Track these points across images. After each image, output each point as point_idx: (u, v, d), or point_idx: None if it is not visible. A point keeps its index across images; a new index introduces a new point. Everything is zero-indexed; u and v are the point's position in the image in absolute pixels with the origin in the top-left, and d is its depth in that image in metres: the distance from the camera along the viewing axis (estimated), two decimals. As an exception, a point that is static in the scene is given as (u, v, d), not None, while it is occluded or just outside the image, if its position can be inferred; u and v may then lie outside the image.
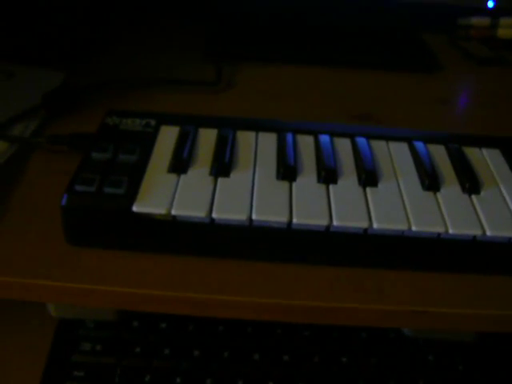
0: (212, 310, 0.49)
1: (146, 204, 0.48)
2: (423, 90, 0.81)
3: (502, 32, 0.94)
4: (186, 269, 0.49)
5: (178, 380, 0.62)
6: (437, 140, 0.61)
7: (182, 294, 0.48)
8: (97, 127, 0.57)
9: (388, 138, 0.60)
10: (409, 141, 0.60)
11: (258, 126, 0.59)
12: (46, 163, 0.60)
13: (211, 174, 0.52)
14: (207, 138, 0.57)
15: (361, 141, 0.58)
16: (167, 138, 0.56)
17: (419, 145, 0.59)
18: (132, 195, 0.48)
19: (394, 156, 0.57)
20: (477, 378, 0.63)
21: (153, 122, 0.58)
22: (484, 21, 0.94)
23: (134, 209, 0.48)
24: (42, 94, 0.68)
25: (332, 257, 0.51)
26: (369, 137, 0.59)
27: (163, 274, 0.49)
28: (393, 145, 0.59)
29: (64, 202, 0.48)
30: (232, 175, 0.52)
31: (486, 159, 0.59)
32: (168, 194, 0.49)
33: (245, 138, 0.57)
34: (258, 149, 0.56)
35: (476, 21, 0.94)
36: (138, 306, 0.49)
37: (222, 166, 0.52)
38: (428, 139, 0.60)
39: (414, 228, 0.49)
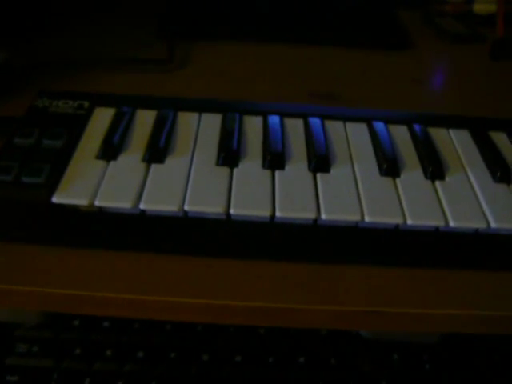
0: (150, 313, 0.44)
1: (67, 194, 0.43)
2: (393, 69, 0.75)
3: (479, 7, 0.89)
4: (117, 266, 0.44)
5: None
6: (400, 120, 0.56)
7: (111, 294, 0.43)
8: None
9: (346, 118, 0.55)
10: (368, 121, 0.54)
11: (202, 107, 0.54)
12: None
13: (144, 160, 0.47)
14: (145, 120, 0.52)
15: (314, 121, 0.53)
16: (100, 120, 0.51)
17: (379, 125, 0.54)
18: (52, 185, 0.44)
19: (351, 138, 0.52)
20: (444, 377, 0.59)
21: (86, 104, 0.53)
22: (459, -5, 0.88)
23: (54, 200, 0.43)
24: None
25: (278, 251, 0.45)
26: (325, 117, 0.54)
27: (92, 271, 0.44)
28: (350, 126, 0.54)
29: (-25, 193, 0.43)
30: (167, 161, 0.47)
31: (453, 141, 0.54)
32: (93, 183, 0.44)
33: (186, 120, 0.52)
34: (199, 132, 0.51)
35: (451, -5, 0.89)
36: (63, 307, 0.44)
37: (156, 151, 0.47)
38: (390, 119, 0.55)
39: (367, 219, 0.44)
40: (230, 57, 0.74)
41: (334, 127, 0.53)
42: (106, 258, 0.44)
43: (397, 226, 0.45)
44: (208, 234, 0.44)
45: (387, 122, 0.55)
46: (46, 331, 0.60)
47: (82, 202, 0.43)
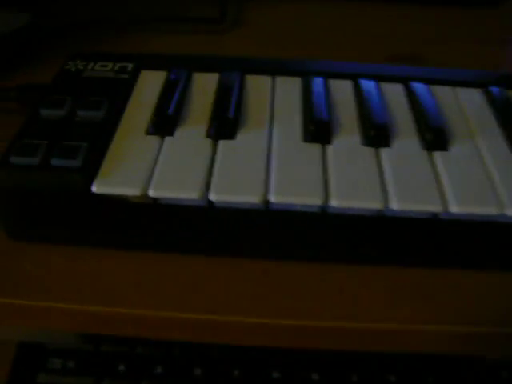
0: (225, 336, 0.34)
1: (112, 182, 0.33)
2: (481, 27, 0.64)
3: None
4: (176, 272, 0.33)
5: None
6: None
7: (174, 314, 0.32)
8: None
9: (453, 82, 0.43)
10: (483, 86, 0.43)
11: (274, 69, 0.43)
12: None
13: (209, 135, 0.36)
14: (205, 85, 0.41)
15: (418, 87, 0.41)
16: (149, 86, 0.41)
17: (496, 91, 0.42)
18: (92, 169, 0.33)
19: (466, 107, 0.41)
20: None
21: (130, 66, 0.42)
22: None
23: (95, 189, 0.32)
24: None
25: (385, 254, 0.35)
26: (428, 81, 0.43)
27: (143, 281, 0.33)
28: (462, 92, 0.42)
29: (-6, 180, 0.32)
30: (239, 136, 0.36)
31: None
32: (145, 167, 0.33)
33: (256, 85, 0.41)
34: (275, 99, 0.40)
35: None
36: (108, 329, 0.34)
37: (225, 124, 0.36)
38: (507, 83, 0.43)
39: (510, 212, 0.32)
40: (290, 17, 0.63)
41: (442, 93, 0.42)
42: (165, 262, 0.34)
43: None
44: (296, 232, 0.33)
45: (506, 87, 0.43)
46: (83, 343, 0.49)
47: (132, 191, 0.32)
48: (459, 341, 0.34)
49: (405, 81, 0.43)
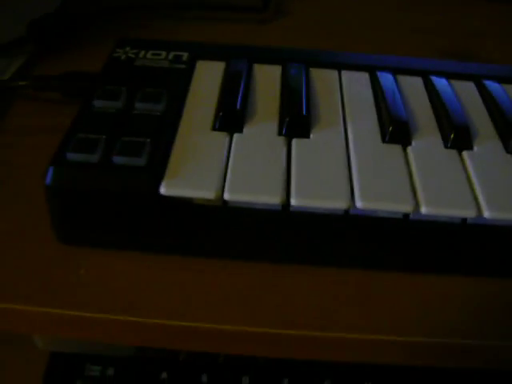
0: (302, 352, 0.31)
1: (183, 183, 0.30)
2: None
3: None
4: (251, 283, 0.31)
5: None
6: None
7: (252, 328, 0.29)
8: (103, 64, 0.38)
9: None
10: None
11: (338, 62, 0.40)
12: (31, 118, 0.42)
13: (281, 132, 0.33)
14: (268, 78, 0.38)
15: (492, 86, 0.39)
16: (208, 77, 0.38)
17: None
18: (158, 168, 0.30)
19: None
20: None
21: (185, 56, 0.39)
22: None
23: (163, 191, 0.29)
24: (29, 22, 0.49)
25: (468, 265, 0.32)
26: (501, 80, 0.40)
27: (215, 292, 0.31)
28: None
29: (49, 179, 0.30)
30: (313, 135, 0.33)
31: None
32: (217, 166, 0.30)
33: (323, 79, 0.39)
34: (344, 95, 0.37)
35: None
36: (171, 343, 0.31)
37: (298, 121, 0.33)
38: None
39: None
40: (336, 6, 0.60)
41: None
42: (236, 270, 0.31)
43: None
44: (381, 239, 0.31)
45: None
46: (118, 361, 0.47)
47: (206, 194, 0.29)
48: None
49: (476, 78, 0.40)
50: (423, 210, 0.29)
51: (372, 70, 0.39)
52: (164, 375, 0.46)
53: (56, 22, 0.51)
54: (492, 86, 0.39)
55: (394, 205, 0.30)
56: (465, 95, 0.39)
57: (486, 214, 0.30)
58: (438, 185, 0.31)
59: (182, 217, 0.31)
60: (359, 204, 0.29)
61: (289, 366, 0.48)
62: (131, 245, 0.32)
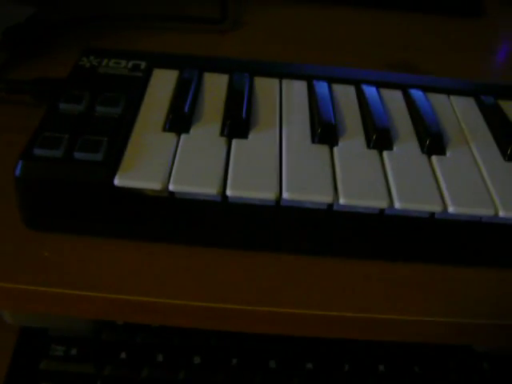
0: (232, 324, 0.36)
1: (134, 175, 0.34)
2: (468, 37, 0.67)
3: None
4: (190, 264, 0.36)
5: (175, 394, 0.49)
6: (509, 94, 0.46)
7: (184, 301, 0.34)
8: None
9: (449, 90, 0.46)
10: (475, 95, 0.46)
11: (281, 72, 0.45)
12: (3, 118, 0.46)
13: (223, 133, 0.38)
14: (215, 86, 0.43)
15: (417, 94, 0.44)
16: (162, 84, 0.42)
17: (490, 100, 0.45)
18: (113, 163, 0.35)
19: (460, 114, 0.44)
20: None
21: (143, 65, 0.44)
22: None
23: (117, 182, 0.34)
24: (4, 29, 0.53)
25: (388, 249, 0.38)
26: (425, 89, 0.45)
27: (158, 270, 0.36)
28: (457, 100, 0.45)
29: (18, 171, 0.34)
30: (251, 136, 0.38)
31: None
32: (164, 162, 0.35)
33: (265, 87, 0.44)
34: (283, 101, 0.42)
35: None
36: (122, 316, 0.36)
37: (238, 123, 0.38)
38: (498, 93, 0.46)
39: (502, 214, 0.35)
40: (290, 19, 0.65)
41: (438, 101, 0.45)
42: (178, 253, 0.36)
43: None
44: (305, 228, 0.36)
45: (496, 96, 0.46)
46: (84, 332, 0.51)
47: (153, 185, 0.34)
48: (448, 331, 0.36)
49: (403, 87, 0.45)
50: (341, 200, 0.34)
51: (309, 79, 0.44)
52: (123, 355, 0.51)
53: (28, 30, 0.56)
54: (416, 94, 0.44)
55: (317, 196, 0.34)
56: (391, 102, 0.44)
57: (397, 204, 0.35)
58: (356, 179, 0.36)
59: (133, 205, 0.35)
60: (285, 195, 0.34)
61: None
62: (89, 230, 0.36)
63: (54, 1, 0.63)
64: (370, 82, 0.45)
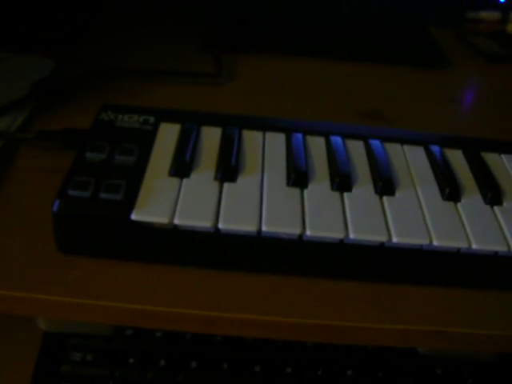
0: (221, 328, 0.45)
1: (146, 212, 0.44)
2: (431, 88, 0.77)
3: (512, 27, 0.90)
4: (191, 281, 0.45)
5: (174, 393, 0.58)
6: (454, 144, 0.57)
7: (187, 310, 0.44)
8: (90, 122, 0.53)
9: (403, 140, 0.56)
10: (425, 145, 0.56)
11: (264, 125, 0.55)
12: (35, 160, 0.55)
13: (216, 178, 0.48)
14: (211, 138, 0.53)
15: (375, 144, 0.54)
16: (167, 136, 0.52)
17: (436, 149, 0.55)
18: (131, 202, 0.44)
19: (411, 161, 0.53)
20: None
21: (152, 119, 0.53)
22: (494, 15, 0.90)
23: (133, 217, 0.44)
24: (31, 84, 0.63)
25: (347, 270, 0.47)
26: (383, 139, 0.55)
27: (166, 287, 0.45)
28: (408, 149, 0.55)
29: (56, 208, 0.44)
30: (239, 180, 0.48)
31: (506, 166, 0.55)
32: (170, 201, 0.45)
33: (251, 138, 0.53)
34: (265, 150, 0.52)
35: (485, 15, 0.90)
36: (138, 323, 0.45)
37: (229, 170, 0.48)
38: (444, 143, 0.56)
39: (435, 243, 0.45)
40: (276, 71, 0.75)
41: (394, 150, 0.54)
42: (179, 273, 0.45)
43: (459, 249, 0.46)
44: (281, 253, 0.46)
45: (442, 145, 0.56)
46: (98, 340, 0.61)
47: (161, 219, 0.43)
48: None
49: (365, 138, 0.55)
50: (308, 232, 0.44)
51: (288, 132, 0.54)
52: (131, 360, 0.60)
53: (53, 83, 0.66)
54: (374, 144, 0.54)
55: (289, 228, 0.44)
56: (354, 151, 0.54)
57: (352, 235, 0.45)
58: (321, 215, 0.45)
59: (146, 235, 0.45)
60: (264, 227, 0.44)
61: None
62: (111, 254, 0.46)
63: (69, 56, 0.73)
64: (337, 134, 0.55)
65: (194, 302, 0.44)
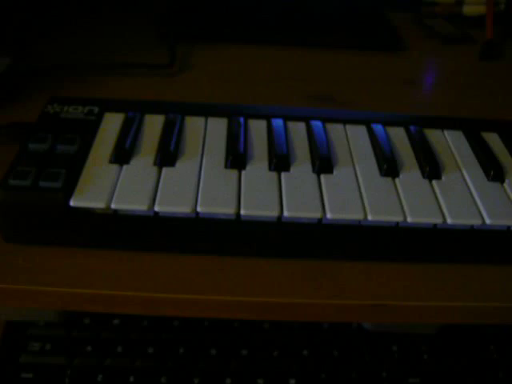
0: (163, 309, 0.46)
1: (85, 198, 0.45)
2: (386, 70, 0.78)
3: (468, 9, 0.91)
4: (132, 265, 0.46)
5: (132, 379, 0.59)
6: (397, 122, 0.58)
7: (129, 292, 0.45)
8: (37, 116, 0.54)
9: (346, 120, 0.57)
10: (367, 123, 0.57)
11: (207, 111, 0.56)
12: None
13: (155, 163, 0.49)
14: (153, 125, 0.54)
15: (316, 124, 0.55)
16: (111, 125, 0.53)
17: (378, 128, 0.56)
18: (69, 189, 0.45)
19: (352, 140, 0.55)
20: (442, 366, 0.61)
21: (96, 109, 0.54)
22: (449, -3, 0.91)
23: (72, 203, 0.45)
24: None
25: (285, 249, 0.48)
26: (325, 120, 0.56)
27: (108, 271, 0.46)
28: (350, 128, 0.56)
29: (-3, 198, 0.45)
30: (178, 164, 0.49)
31: (448, 142, 0.56)
32: (108, 187, 0.46)
33: (193, 124, 0.54)
34: (206, 135, 0.53)
35: (441, -3, 0.91)
36: (83, 306, 0.46)
37: (167, 155, 0.49)
38: (388, 121, 0.57)
39: (370, 217, 0.46)
40: (230, 60, 0.76)
41: (335, 130, 0.55)
42: (121, 258, 0.47)
43: (397, 223, 0.47)
44: (218, 233, 0.47)
45: (385, 124, 0.57)
46: (57, 330, 0.62)
47: (98, 205, 0.44)
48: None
49: (307, 119, 0.56)
50: (242, 211, 0.45)
51: (229, 116, 0.55)
52: (89, 348, 0.61)
53: (5, 79, 0.67)
54: (315, 124, 0.55)
55: (224, 208, 0.45)
56: (295, 132, 0.55)
57: (286, 213, 0.46)
58: (257, 194, 0.47)
59: (85, 221, 0.46)
60: (199, 208, 0.45)
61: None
62: (53, 241, 0.47)
63: (27, 53, 0.74)
64: (278, 116, 0.56)
65: (135, 284, 0.45)
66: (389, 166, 0.50)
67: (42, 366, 0.60)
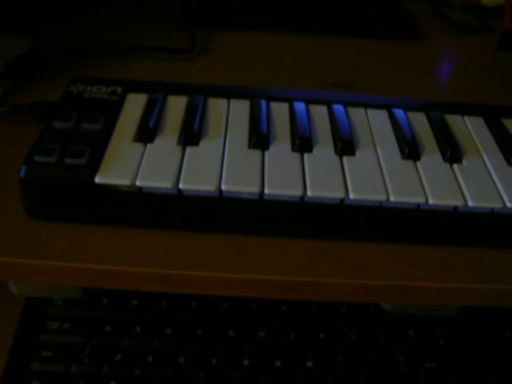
0: (183, 287, 0.46)
1: (110, 175, 0.45)
2: (405, 59, 0.78)
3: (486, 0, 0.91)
4: (154, 243, 0.47)
5: (150, 359, 0.60)
6: (418, 107, 0.58)
7: (151, 269, 0.45)
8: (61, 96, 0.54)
9: (367, 105, 0.57)
10: (388, 108, 0.57)
11: (230, 93, 0.56)
12: (8, 134, 0.57)
13: (179, 142, 0.49)
14: (176, 106, 0.54)
15: (338, 108, 0.55)
16: (134, 105, 0.53)
17: (399, 112, 0.56)
18: (94, 166, 0.46)
19: (373, 124, 0.55)
20: (458, 352, 0.61)
21: (119, 90, 0.55)
22: (468, -13, 0.91)
23: (97, 180, 0.45)
24: (6, 61, 0.64)
25: (308, 229, 0.48)
26: (346, 104, 0.56)
27: (130, 248, 0.46)
28: (371, 112, 0.56)
29: (22, 173, 0.45)
30: (201, 144, 0.49)
31: (468, 127, 0.56)
32: (133, 164, 0.46)
33: (216, 106, 0.55)
34: (229, 116, 0.53)
35: (460, -13, 0.91)
36: (104, 282, 0.46)
37: (191, 134, 0.49)
38: (408, 107, 0.58)
39: (392, 198, 0.46)
40: (249, 46, 0.76)
41: (356, 113, 0.56)
42: (144, 235, 0.47)
43: (418, 205, 0.47)
44: (242, 213, 0.47)
45: (406, 109, 0.57)
46: (76, 309, 0.62)
47: (123, 181, 0.45)
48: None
49: (329, 103, 0.57)
50: (266, 190, 0.45)
51: (252, 98, 0.56)
52: (108, 328, 0.62)
53: (27, 61, 0.67)
54: (337, 108, 0.55)
55: (248, 187, 0.46)
56: (316, 115, 0.55)
57: (309, 193, 0.46)
58: (280, 174, 0.47)
59: (110, 198, 0.46)
60: (223, 186, 0.45)
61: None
62: (77, 218, 0.47)
63: (47, 36, 0.74)
64: (300, 99, 0.56)
65: (159, 262, 0.45)
66: (410, 149, 0.51)
67: (61, 344, 0.61)
